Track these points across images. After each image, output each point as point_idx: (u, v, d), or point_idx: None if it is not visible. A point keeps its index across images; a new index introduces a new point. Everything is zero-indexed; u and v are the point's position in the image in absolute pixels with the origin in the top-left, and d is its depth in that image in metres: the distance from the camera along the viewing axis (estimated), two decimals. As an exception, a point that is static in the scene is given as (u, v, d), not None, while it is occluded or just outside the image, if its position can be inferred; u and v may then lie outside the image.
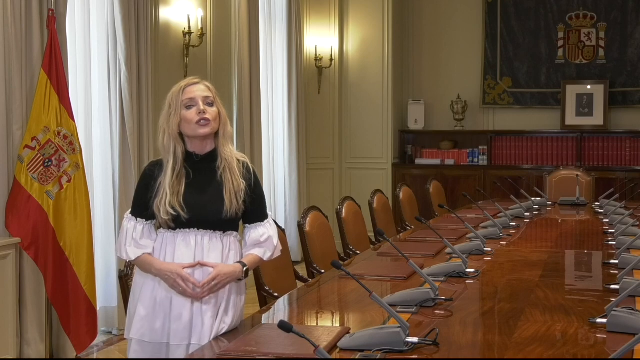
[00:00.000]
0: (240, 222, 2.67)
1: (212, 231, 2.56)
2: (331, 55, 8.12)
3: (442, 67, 8.60)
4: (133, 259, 2.57)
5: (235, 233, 2.63)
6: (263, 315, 2.77)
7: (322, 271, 3.89)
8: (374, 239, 5.01)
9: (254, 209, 2.64)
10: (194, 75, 2.70)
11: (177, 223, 2.54)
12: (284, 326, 2.01)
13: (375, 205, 5.35)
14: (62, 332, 4.31)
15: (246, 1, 6.41)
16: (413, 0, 8.68)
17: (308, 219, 4.16)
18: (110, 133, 4.98)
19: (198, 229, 2.55)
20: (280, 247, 2.73)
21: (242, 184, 2.59)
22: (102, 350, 4.69)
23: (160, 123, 2.60)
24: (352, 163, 8.36)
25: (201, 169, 2.59)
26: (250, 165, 2.67)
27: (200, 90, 2.58)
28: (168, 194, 2.52)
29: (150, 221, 2.60)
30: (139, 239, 2.57)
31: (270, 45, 7.35)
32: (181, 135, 2.58)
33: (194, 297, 2.50)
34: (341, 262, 2.99)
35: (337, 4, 8.16)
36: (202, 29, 5.85)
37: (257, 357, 2.17)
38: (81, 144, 4.40)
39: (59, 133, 4.22)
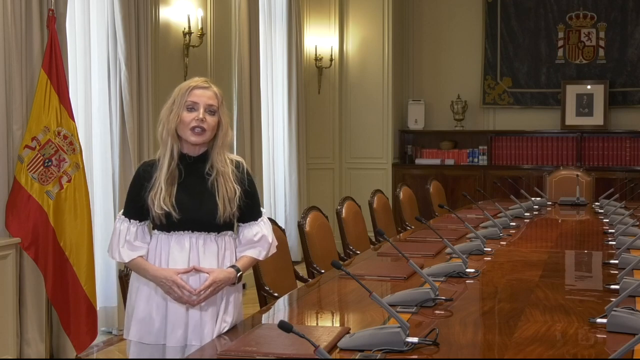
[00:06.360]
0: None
1: (206, 233, 2.52)
2: (331, 55, 8.12)
3: (442, 67, 8.60)
4: (127, 261, 2.53)
5: (230, 232, 2.59)
6: (263, 315, 2.77)
7: (322, 271, 3.89)
8: (374, 239, 5.00)
9: (248, 208, 2.60)
10: (196, 77, 2.61)
11: (170, 224, 2.50)
12: (284, 326, 2.01)
13: (375, 205, 5.34)
14: (62, 332, 4.31)
15: (246, 1, 6.41)
16: (413, 0, 8.68)
17: (308, 219, 4.16)
18: (110, 133, 4.97)
19: (192, 231, 2.51)
20: (275, 244, 2.69)
21: (238, 190, 2.53)
22: (102, 350, 4.69)
23: (161, 115, 2.56)
24: (352, 163, 8.35)
25: (193, 171, 2.55)
26: (245, 165, 2.62)
27: (206, 96, 2.52)
28: (163, 189, 2.48)
29: (143, 222, 2.56)
30: (132, 240, 2.52)
31: (270, 45, 7.34)
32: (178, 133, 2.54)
33: (189, 304, 2.47)
34: (341, 262, 2.99)
35: (337, 4, 8.16)
36: (202, 29, 5.85)
37: (257, 357, 2.17)
38: (81, 144, 4.39)
39: (59, 133, 4.22)
